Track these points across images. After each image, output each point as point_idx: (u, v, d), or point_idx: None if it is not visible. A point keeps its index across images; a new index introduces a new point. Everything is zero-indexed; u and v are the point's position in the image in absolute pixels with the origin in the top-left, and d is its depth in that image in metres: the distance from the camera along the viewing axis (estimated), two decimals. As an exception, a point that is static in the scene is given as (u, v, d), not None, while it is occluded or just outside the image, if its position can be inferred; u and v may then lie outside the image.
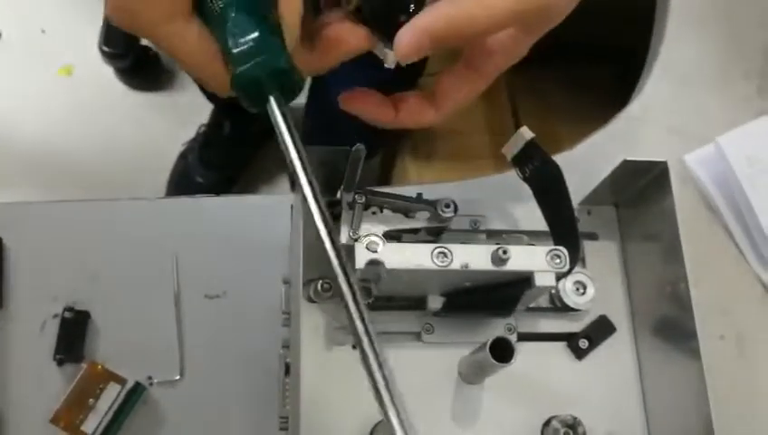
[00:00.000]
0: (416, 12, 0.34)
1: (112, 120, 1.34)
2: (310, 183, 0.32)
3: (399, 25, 0.34)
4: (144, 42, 1.34)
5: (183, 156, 1.27)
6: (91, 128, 1.33)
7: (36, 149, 1.31)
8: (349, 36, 0.36)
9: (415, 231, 0.44)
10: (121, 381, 0.53)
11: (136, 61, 1.33)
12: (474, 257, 0.40)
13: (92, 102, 1.35)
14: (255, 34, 0.32)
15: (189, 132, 1.28)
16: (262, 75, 0.32)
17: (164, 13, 0.32)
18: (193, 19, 0.33)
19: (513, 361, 0.39)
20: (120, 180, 1.26)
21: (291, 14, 0.34)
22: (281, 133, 0.32)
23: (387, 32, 0.35)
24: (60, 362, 0.53)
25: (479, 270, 0.40)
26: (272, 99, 0.32)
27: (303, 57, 0.35)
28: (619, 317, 0.49)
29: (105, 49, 1.30)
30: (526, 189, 0.45)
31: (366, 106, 0.39)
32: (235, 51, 0.32)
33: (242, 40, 0.32)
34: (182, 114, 1.32)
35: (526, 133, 0.43)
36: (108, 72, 1.35)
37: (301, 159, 0.32)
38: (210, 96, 1.20)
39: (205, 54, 0.33)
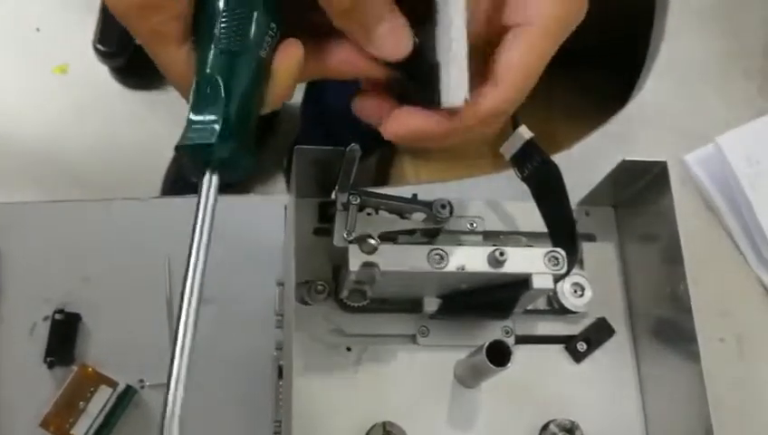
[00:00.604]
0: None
1: (107, 118, 1.33)
2: (196, 271, 0.31)
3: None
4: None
5: (178, 156, 1.26)
6: (87, 127, 1.32)
7: (31, 148, 1.31)
8: (366, 67, 0.34)
9: (410, 232, 0.44)
10: (112, 384, 0.52)
11: (131, 59, 1.32)
12: (470, 259, 0.39)
13: (88, 101, 1.34)
14: (215, 113, 0.31)
15: (185, 132, 1.27)
16: (203, 157, 0.31)
17: (154, 33, 0.31)
18: (184, 45, 0.32)
19: (510, 364, 0.38)
20: (115, 179, 1.26)
21: (285, 71, 0.32)
22: (198, 210, 0.31)
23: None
24: (50, 365, 0.53)
25: (475, 272, 0.40)
26: (204, 179, 0.31)
27: (311, 62, 0.34)
28: (618, 319, 0.48)
29: (100, 48, 1.29)
30: (524, 190, 0.44)
31: (417, 123, 0.34)
32: (189, 121, 0.31)
33: (198, 117, 0.31)
34: (178, 113, 1.30)
35: (525, 133, 0.43)
36: (103, 70, 1.35)
37: (199, 250, 0.31)
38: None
39: (187, 82, 0.32)
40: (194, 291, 0.30)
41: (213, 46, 0.31)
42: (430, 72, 0.33)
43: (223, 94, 0.31)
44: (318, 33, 0.33)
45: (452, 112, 0.33)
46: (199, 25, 0.32)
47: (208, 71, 0.31)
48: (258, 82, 0.32)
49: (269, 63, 0.32)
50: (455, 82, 0.32)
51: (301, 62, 0.32)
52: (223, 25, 0.31)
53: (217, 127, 0.30)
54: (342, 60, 0.34)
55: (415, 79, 0.34)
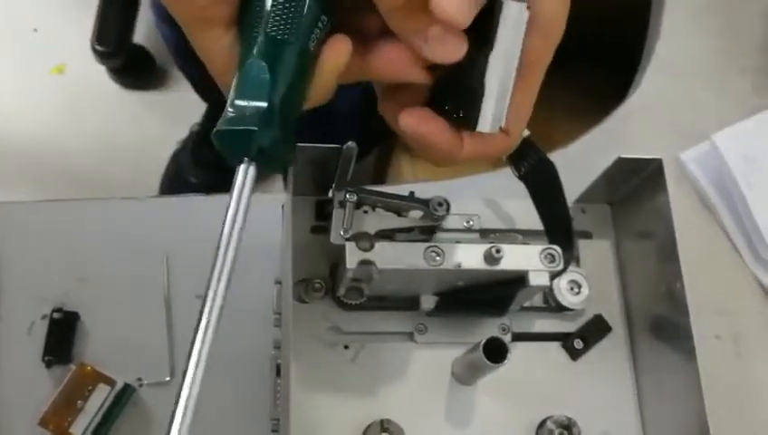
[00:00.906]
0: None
1: (105, 119, 1.34)
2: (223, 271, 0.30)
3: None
4: (136, 40, 1.33)
5: (176, 156, 1.26)
6: (84, 127, 1.33)
7: (28, 149, 1.31)
8: (412, 70, 0.33)
9: (407, 230, 0.44)
10: (111, 383, 0.52)
11: (128, 60, 1.32)
12: (467, 257, 0.40)
13: (85, 101, 1.34)
14: (259, 99, 0.30)
15: (183, 131, 1.27)
16: (243, 144, 0.30)
17: (201, 16, 0.31)
18: (230, 30, 0.31)
19: (506, 361, 0.38)
20: (113, 180, 1.26)
21: (331, 65, 0.31)
22: (231, 201, 0.30)
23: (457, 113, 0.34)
24: (48, 364, 0.53)
25: (472, 269, 0.40)
26: (240, 169, 0.31)
27: (356, 62, 0.33)
28: (615, 317, 0.48)
29: (97, 48, 1.29)
30: (521, 188, 0.44)
31: (431, 130, 0.34)
32: (229, 108, 0.30)
33: (241, 102, 0.30)
34: (175, 113, 1.31)
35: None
36: (100, 70, 1.34)
37: (228, 247, 0.30)
38: (203, 95, 1.19)
39: (228, 69, 0.32)
40: (218, 295, 0.30)
41: (261, 33, 0.30)
42: (474, 92, 0.32)
43: (269, 81, 0.30)
44: (365, 34, 0.33)
45: (467, 138, 0.34)
46: (248, 12, 0.31)
47: (255, 57, 0.30)
48: (304, 73, 0.31)
49: (316, 57, 0.31)
50: (495, 111, 0.32)
51: (348, 58, 0.32)
52: (274, 13, 0.30)
53: (261, 113, 0.30)
54: (389, 60, 0.33)
55: (454, 95, 0.33)
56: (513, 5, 0.31)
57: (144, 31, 1.35)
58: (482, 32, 0.31)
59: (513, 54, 0.32)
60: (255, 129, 0.30)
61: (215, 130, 0.30)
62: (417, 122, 0.34)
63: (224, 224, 0.30)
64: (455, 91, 0.33)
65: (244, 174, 0.31)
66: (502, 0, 0.31)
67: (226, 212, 0.30)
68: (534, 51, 0.33)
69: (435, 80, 0.34)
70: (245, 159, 0.30)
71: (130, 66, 1.34)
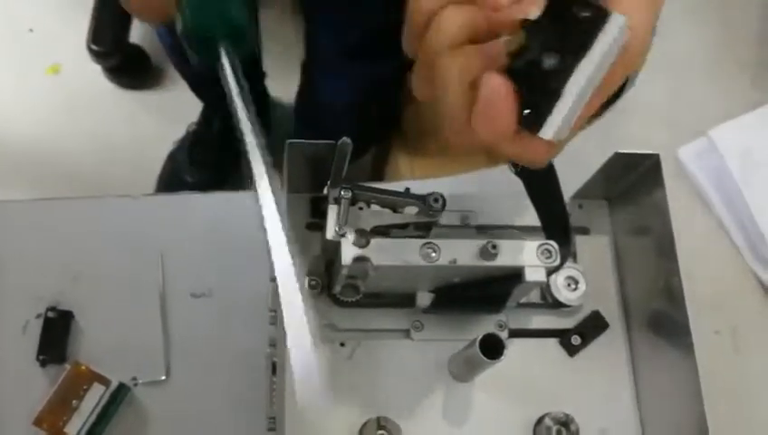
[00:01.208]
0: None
1: (101, 119, 1.33)
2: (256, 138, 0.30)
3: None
4: (132, 40, 1.33)
5: (172, 156, 1.26)
6: (80, 127, 1.32)
7: (24, 148, 1.30)
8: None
9: (403, 226, 0.44)
10: (105, 382, 0.52)
11: (124, 59, 1.31)
12: (462, 253, 0.39)
13: (81, 101, 1.34)
14: None
15: (179, 131, 1.27)
16: (214, 26, 0.31)
17: None
18: None
19: (502, 357, 0.38)
20: (110, 179, 1.25)
21: None
22: (228, 85, 0.31)
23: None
24: (43, 363, 0.52)
25: (468, 265, 0.39)
26: (222, 56, 0.31)
27: None
28: (612, 313, 0.48)
29: (93, 48, 1.28)
30: (518, 184, 0.44)
31: (506, 101, 0.31)
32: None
33: None
34: (171, 112, 1.30)
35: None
36: (96, 70, 1.34)
37: (242, 111, 0.30)
38: (200, 94, 1.19)
39: None
40: (262, 174, 0.31)
41: None
42: (550, 95, 0.31)
43: None
44: None
45: (523, 132, 0.32)
46: None
47: None
48: None
49: None
50: (564, 121, 0.31)
51: None
52: None
53: None
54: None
55: (530, 90, 0.32)
56: (618, 18, 0.30)
57: (140, 30, 1.34)
58: (579, 38, 0.30)
59: (601, 68, 0.31)
60: (218, 5, 0.31)
61: (181, 24, 0.30)
62: (502, 83, 0.31)
63: (237, 113, 0.31)
64: (531, 87, 0.31)
65: (229, 59, 0.31)
66: (608, 10, 0.30)
67: (230, 96, 0.31)
68: (613, 74, 0.32)
69: (512, 67, 0.32)
70: (223, 51, 0.31)
71: (126, 66, 1.33)
